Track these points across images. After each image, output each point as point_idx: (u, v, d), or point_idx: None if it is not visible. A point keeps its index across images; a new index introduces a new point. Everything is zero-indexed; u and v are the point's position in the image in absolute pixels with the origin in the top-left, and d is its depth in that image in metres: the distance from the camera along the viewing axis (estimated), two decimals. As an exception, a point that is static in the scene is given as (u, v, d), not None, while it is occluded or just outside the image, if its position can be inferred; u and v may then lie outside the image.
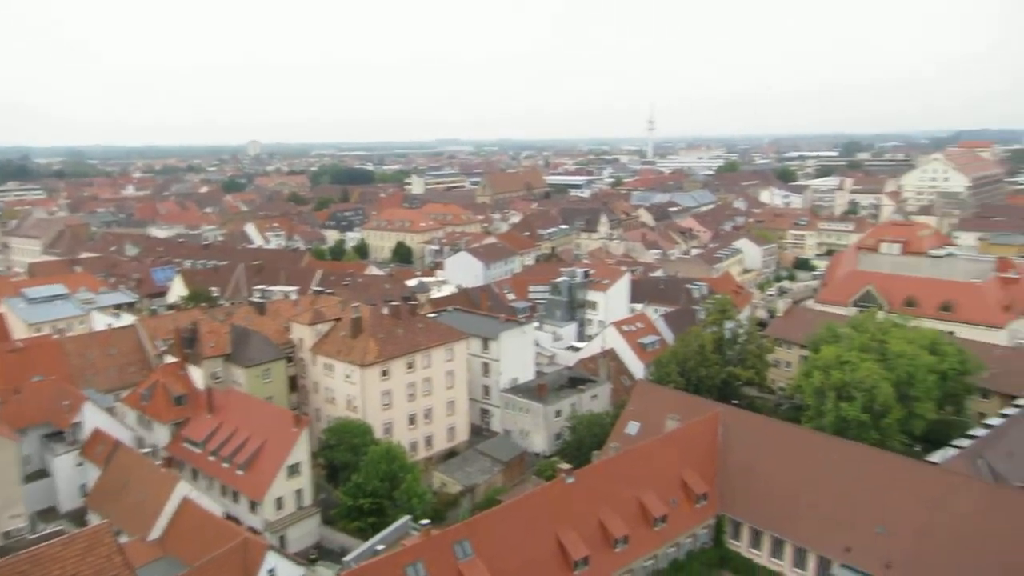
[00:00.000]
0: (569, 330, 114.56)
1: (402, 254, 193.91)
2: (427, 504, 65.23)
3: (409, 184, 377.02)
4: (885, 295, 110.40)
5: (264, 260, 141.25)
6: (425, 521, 51.90)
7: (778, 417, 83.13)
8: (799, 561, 56.13)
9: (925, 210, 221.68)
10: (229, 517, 62.74)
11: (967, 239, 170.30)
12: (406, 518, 58.56)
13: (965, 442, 64.03)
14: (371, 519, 63.15)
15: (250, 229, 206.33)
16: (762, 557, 58.08)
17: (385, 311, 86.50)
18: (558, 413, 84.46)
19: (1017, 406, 71.36)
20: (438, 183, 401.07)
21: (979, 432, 66.20)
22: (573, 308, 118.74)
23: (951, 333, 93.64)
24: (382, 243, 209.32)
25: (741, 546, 59.42)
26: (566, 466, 56.93)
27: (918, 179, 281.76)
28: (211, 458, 68.71)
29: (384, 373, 79.34)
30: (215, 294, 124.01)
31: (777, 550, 57.41)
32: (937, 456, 62.43)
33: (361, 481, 64.30)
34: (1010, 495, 52.15)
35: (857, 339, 77.50)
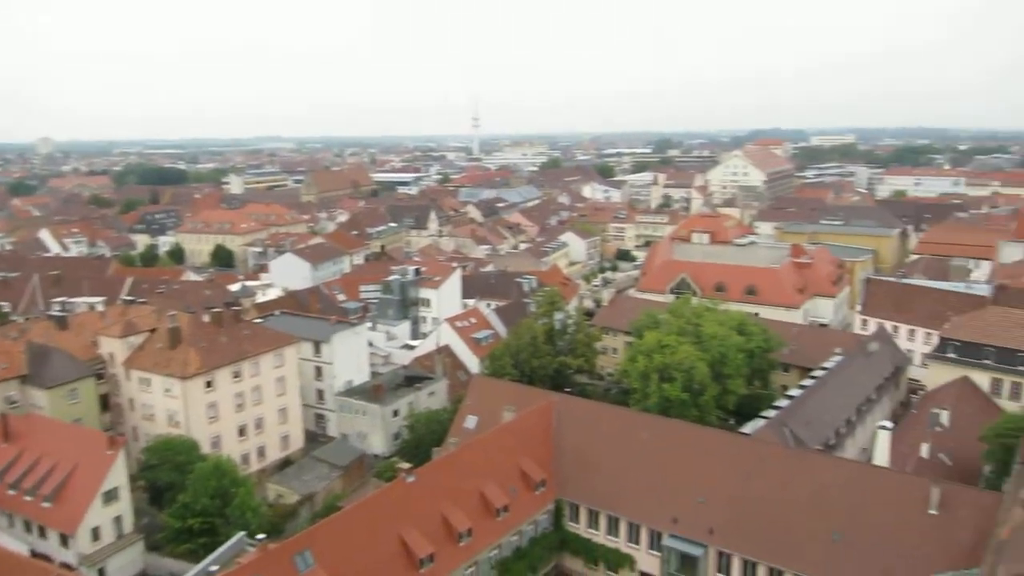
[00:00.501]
0: (403, 328, 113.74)
1: (222, 258, 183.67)
2: (263, 518, 62.42)
3: (227, 184, 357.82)
4: (698, 282, 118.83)
5: (63, 269, 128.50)
6: (261, 536, 49.61)
7: (608, 401, 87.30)
8: (633, 536, 59.11)
9: (729, 202, 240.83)
10: (36, 555, 56.73)
11: (765, 228, 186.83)
12: (241, 535, 55.66)
13: (771, 413, 70.04)
14: (202, 540, 59.45)
15: (45, 236, 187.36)
16: (599, 536, 60.61)
17: (206, 318, 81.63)
18: (396, 413, 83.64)
19: (813, 377, 79.12)
20: (259, 182, 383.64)
21: (783, 403, 72.68)
22: (406, 306, 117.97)
23: (756, 314, 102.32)
24: (200, 247, 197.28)
25: (579, 527, 61.67)
26: (406, 465, 56.48)
27: (722, 174, 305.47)
28: (11, 492, 61.71)
29: (208, 384, 74.92)
30: (5, 309, 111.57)
31: (613, 528, 60.13)
32: (748, 427, 67.86)
33: (189, 501, 60.37)
34: (810, 458, 57.99)
35: (675, 324, 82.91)
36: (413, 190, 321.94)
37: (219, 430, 76.11)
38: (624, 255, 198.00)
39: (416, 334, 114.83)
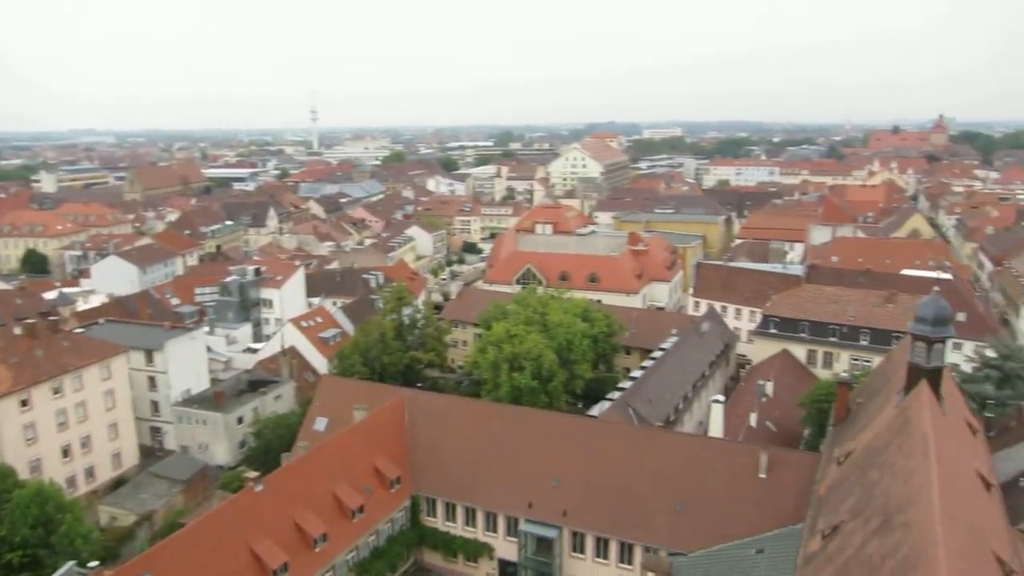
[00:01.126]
0: (244, 331, 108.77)
1: (35, 263, 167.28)
2: (95, 544, 57.55)
3: (37, 181, 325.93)
4: (543, 271, 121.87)
5: None
6: (94, 564, 45.80)
7: (460, 394, 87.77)
8: (490, 525, 59.88)
9: (570, 194, 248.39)
10: None
11: (605, 218, 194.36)
12: (70, 564, 51.01)
13: (616, 394, 73.12)
14: (25, 575, 54.10)
15: None
16: (457, 528, 60.92)
17: (18, 330, 74.01)
18: (240, 420, 79.86)
19: (653, 358, 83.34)
20: (75, 180, 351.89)
21: (626, 384, 76.07)
22: (246, 308, 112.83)
23: (599, 301, 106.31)
24: (7, 251, 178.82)
25: (437, 521, 61.67)
26: (254, 474, 54.09)
27: (562, 166, 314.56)
28: None
29: (23, 403, 68.22)
30: None
31: (470, 518, 60.62)
32: (596, 410, 70.47)
33: (6, 533, 54.67)
34: (653, 434, 61.14)
35: (522, 314, 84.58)
36: (250, 186, 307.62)
37: (39, 452, 69.49)
38: (471, 248, 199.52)
39: (259, 336, 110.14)
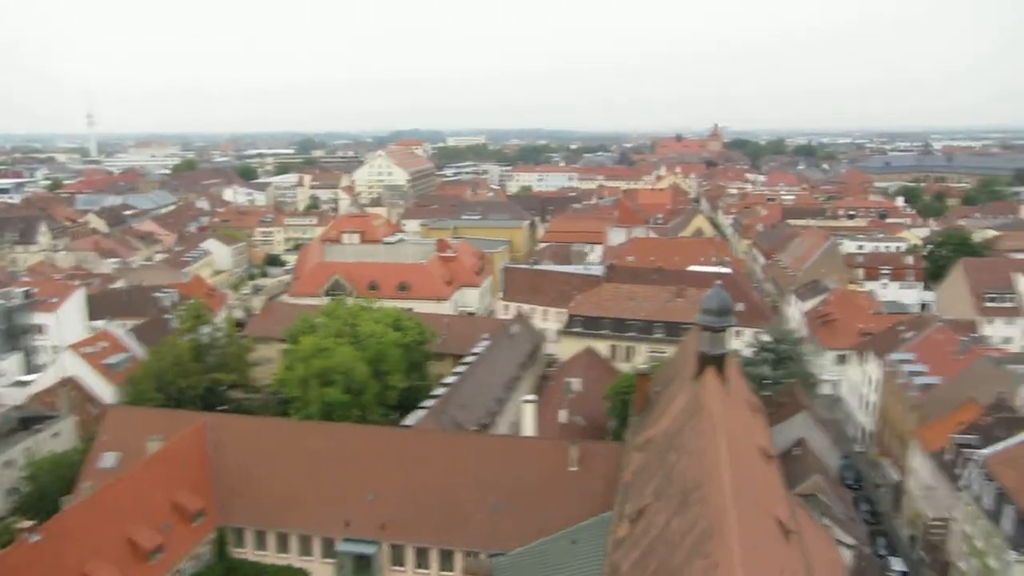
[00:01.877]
0: (12, 362, 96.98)
1: None
2: None
3: None
4: (352, 282, 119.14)
5: None
6: None
7: (268, 414, 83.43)
8: (305, 548, 57.42)
9: (376, 202, 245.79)
10: None
11: (412, 226, 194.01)
12: None
13: (431, 402, 72.93)
14: None
15: None
16: (269, 556, 57.81)
17: None
18: (9, 464, 70.75)
19: (465, 363, 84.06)
20: None
21: (440, 391, 76.09)
22: (14, 336, 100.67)
23: (410, 309, 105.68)
24: None
25: (247, 552, 58.17)
26: (28, 523, 48.02)
27: (367, 174, 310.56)
28: None
29: None
30: None
31: (283, 544, 57.78)
32: (411, 419, 69.83)
33: None
34: (469, 439, 61.77)
35: (331, 326, 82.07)
36: (15, 198, 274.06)
37: None
38: (274, 260, 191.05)
39: (31, 367, 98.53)
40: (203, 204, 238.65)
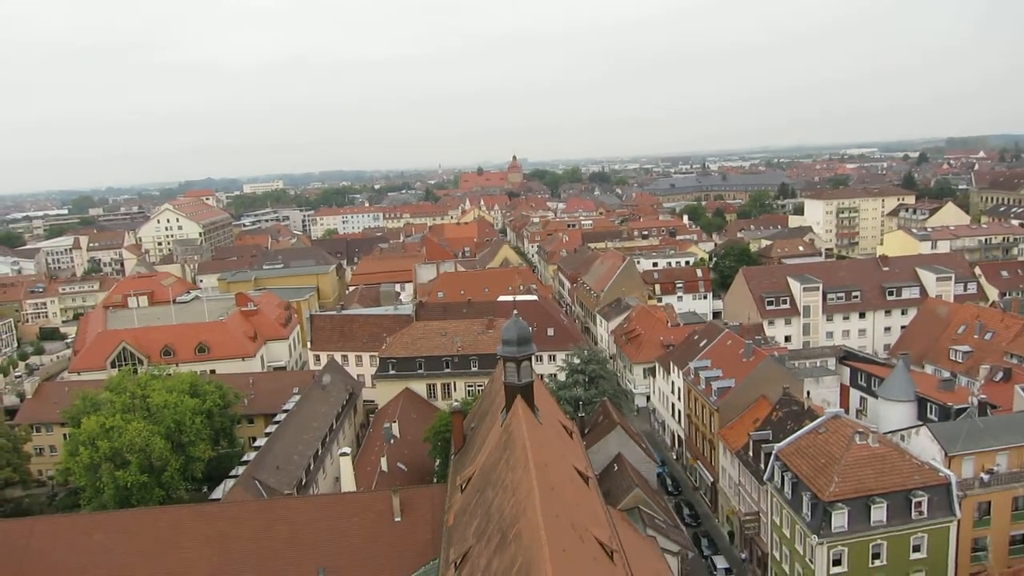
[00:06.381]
0: None
1: None
2: None
3: None
4: (142, 349, 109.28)
5: None
6: None
7: (54, 510, 74.29)
8: (103, 658, 50.76)
9: (167, 259, 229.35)
10: None
11: (209, 281, 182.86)
12: None
13: (241, 469, 68.00)
14: None
15: None
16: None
17: None
18: None
19: (276, 422, 79.42)
20: None
21: (251, 456, 71.18)
22: None
23: (213, 371, 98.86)
24: None
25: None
26: None
27: (155, 230, 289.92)
28: None
29: None
30: None
31: (75, 658, 50.72)
32: (218, 491, 64.65)
33: None
34: (283, 503, 57.70)
35: (119, 401, 74.32)
36: None
37: None
38: (50, 334, 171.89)
39: None
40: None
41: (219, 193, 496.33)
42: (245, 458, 72.02)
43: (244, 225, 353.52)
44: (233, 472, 68.75)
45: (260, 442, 75.50)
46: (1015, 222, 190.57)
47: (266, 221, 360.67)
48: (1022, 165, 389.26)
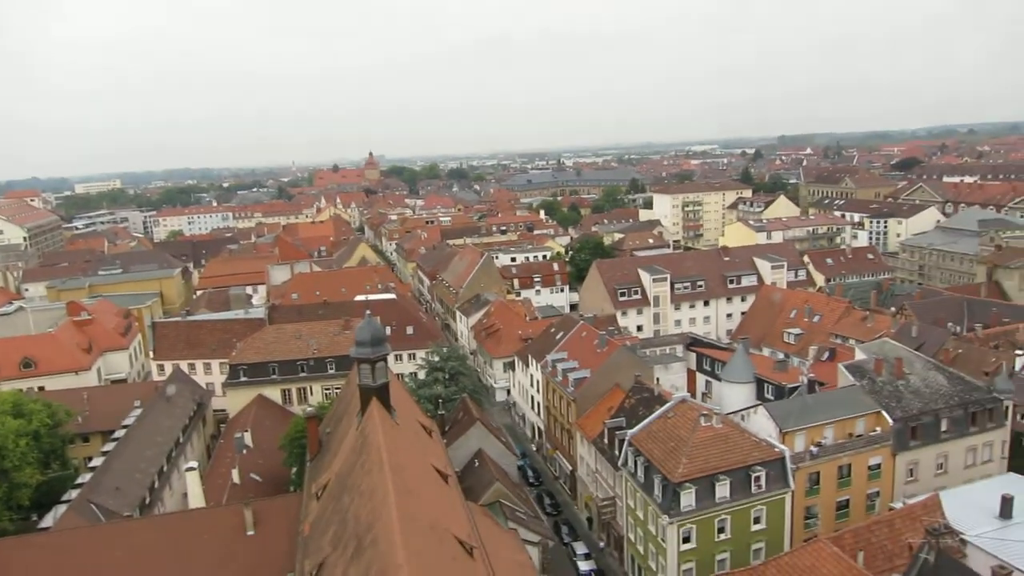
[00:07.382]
0: None
1: None
2: None
3: None
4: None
5: None
6: None
7: None
8: None
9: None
10: None
11: (37, 289, 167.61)
12: None
13: (75, 493, 62.77)
14: None
15: None
16: None
17: None
18: None
19: (115, 440, 73.92)
20: None
21: (86, 477, 65.88)
22: None
23: (41, 388, 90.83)
24: None
25: None
26: None
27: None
28: None
29: None
30: None
31: None
32: (49, 518, 59.37)
33: None
34: (123, 526, 53.75)
35: (-75, 428, 66.65)
36: None
37: None
38: None
39: None
40: None
41: (46, 194, 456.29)
42: (79, 480, 66.61)
43: (76, 228, 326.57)
44: (66, 497, 63.39)
45: (96, 462, 70.11)
46: (837, 213, 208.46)
47: (102, 223, 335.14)
48: (844, 161, 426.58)
